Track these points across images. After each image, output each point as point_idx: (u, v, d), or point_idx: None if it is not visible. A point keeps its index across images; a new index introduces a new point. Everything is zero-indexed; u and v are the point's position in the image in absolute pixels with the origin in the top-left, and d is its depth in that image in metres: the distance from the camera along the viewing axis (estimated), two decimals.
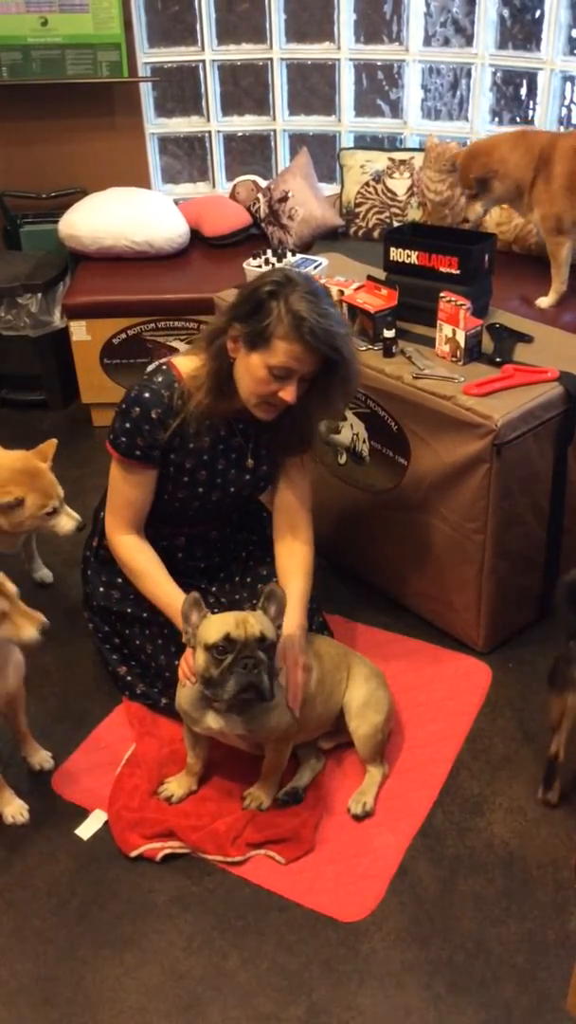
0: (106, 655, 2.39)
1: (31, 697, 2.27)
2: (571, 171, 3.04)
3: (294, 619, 2.10)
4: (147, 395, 2.10)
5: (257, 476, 2.26)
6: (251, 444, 2.22)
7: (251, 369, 2.01)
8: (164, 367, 2.14)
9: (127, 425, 2.10)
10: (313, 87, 4.15)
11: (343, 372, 2.06)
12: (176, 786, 2.14)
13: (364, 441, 2.54)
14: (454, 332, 2.40)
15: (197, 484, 2.20)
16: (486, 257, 2.57)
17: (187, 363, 2.13)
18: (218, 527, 2.37)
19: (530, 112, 3.88)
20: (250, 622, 1.88)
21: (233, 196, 4.11)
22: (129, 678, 2.36)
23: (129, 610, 2.32)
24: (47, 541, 2.97)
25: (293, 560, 2.24)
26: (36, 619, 1.93)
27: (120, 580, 2.34)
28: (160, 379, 2.12)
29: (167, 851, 2.02)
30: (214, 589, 2.35)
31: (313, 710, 2.12)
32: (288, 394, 2.01)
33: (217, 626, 1.88)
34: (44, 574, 2.83)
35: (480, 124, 3.91)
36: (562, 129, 3.71)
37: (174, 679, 2.16)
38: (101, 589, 2.37)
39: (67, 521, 2.47)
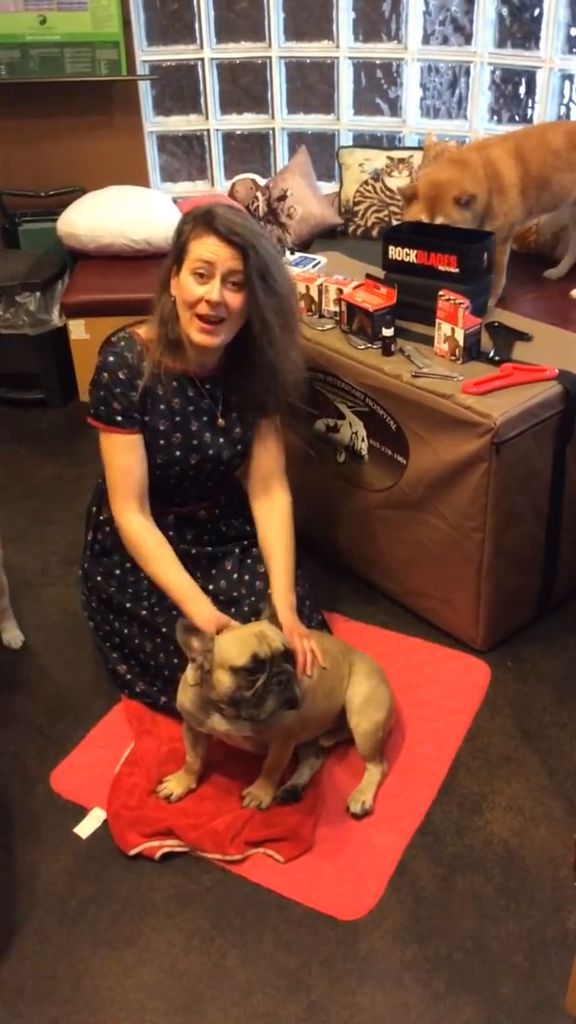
0: (105, 652, 2.39)
1: (30, 696, 2.28)
2: (520, 175, 3.05)
3: (285, 598, 2.15)
4: (111, 359, 2.17)
5: (232, 438, 2.28)
6: (221, 405, 2.25)
7: (181, 286, 2.09)
8: (124, 333, 2.22)
9: (101, 393, 2.17)
10: (312, 85, 4.15)
11: (259, 264, 2.06)
12: (175, 784, 2.14)
13: (363, 440, 2.54)
14: (453, 331, 2.40)
15: (173, 447, 2.22)
16: (484, 256, 2.57)
17: (145, 328, 2.21)
18: (206, 506, 2.37)
19: (529, 111, 3.89)
20: (269, 636, 1.88)
21: (232, 194, 4.10)
22: (128, 676, 2.36)
23: (128, 605, 2.32)
24: (45, 540, 2.97)
25: (273, 528, 2.29)
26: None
27: (118, 572, 2.35)
28: (122, 343, 2.19)
29: (166, 850, 2.02)
30: (211, 587, 2.33)
31: (315, 706, 2.12)
32: (213, 292, 2.05)
33: (239, 648, 1.86)
34: (14, 636, 2.60)
35: (479, 122, 3.92)
36: None
37: (173, 677, 2.18)
38: (99, 579, 2.37)
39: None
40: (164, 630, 2.24)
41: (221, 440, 2.27)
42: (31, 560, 2.89)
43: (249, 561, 2.38)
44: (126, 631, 2.33)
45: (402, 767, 2.21)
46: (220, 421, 2.25)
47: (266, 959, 1.84)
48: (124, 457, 2.19)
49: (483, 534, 2.33)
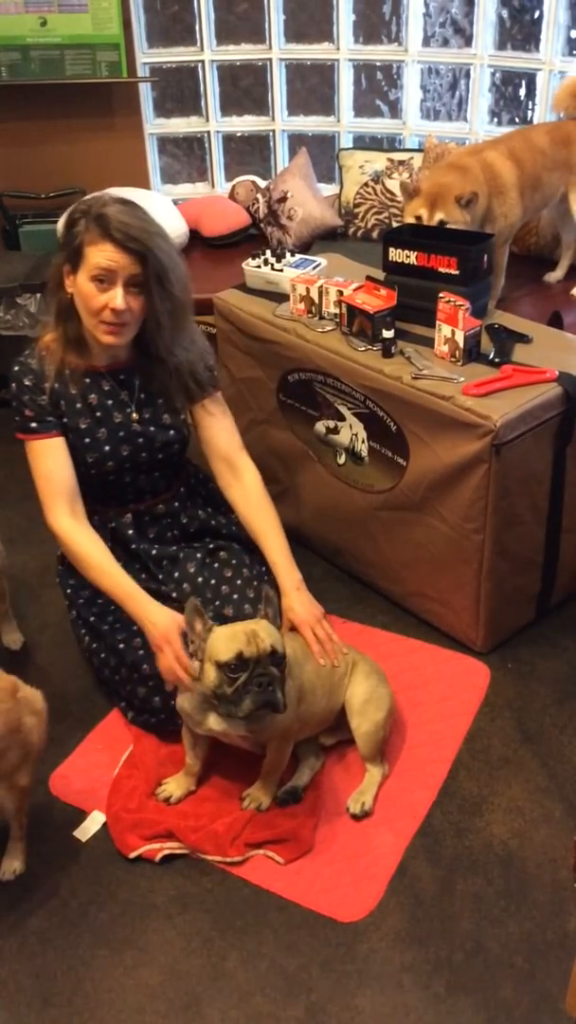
0: (92, 670, 2.41)
1: None
2: (518, 175, 3.05)
3: (291, 577, 2.17)
4: (16, 368, 2.19)
5: (163, 424, 2.27)
6: (139, 394, 2.25)
7: (80, 290, 2.08)
8: (32, 346, 2.23)
9: (13, 404, 2.19)
10: (312, 87, 4.15)
11: (155, 267, 2.06)
12: (174, 786, 2.14)
13: (363, 441, 2.54)
14: (453, 332, 2.40)
15: (100, 443, 2.22)
16: (485, 258, 2.57)
17: (50, 334, 2.21)
18: (164, 499, 2.37)
19: (529, 112, 3.89)
20: (260, 636, 1.87)
21: (232, 196, 4.11)
22: (106, 686, 2.37)
23: (92, 619, 2.31)
24: (45, 542, 2.97)
25: (253, 510, 2.29)
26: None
27: (87, 585, 2.31)
28: (27, 352, 2.22)
29: (166, 852, 2.02)
30: (174, 594, 2.29)
31: (315, 705, 2.12)
32: (115, 299, 2.04)
33: (227, 643, 1.87)
34: (14, 638, 2.60)
35: (479, 124, 3.92)
36: None
37: (134, 692, 2.20)
38: (69, 591, 2.38)
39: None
40: (122, 647, 2.22)
41: (151, 428, 2.26)
42: (31, 562, 2.89)
43: (216, 565, 2.35)
44: (94, 645, 2.33)
45: (402, 769, 2.21)
46: (141, 411, 2.25)
47: (266, 961, 1.84)
48: (45, 462, 2.19)
49: (483, 535, 2.33)
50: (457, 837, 2.06)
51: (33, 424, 2.18)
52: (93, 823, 2.10)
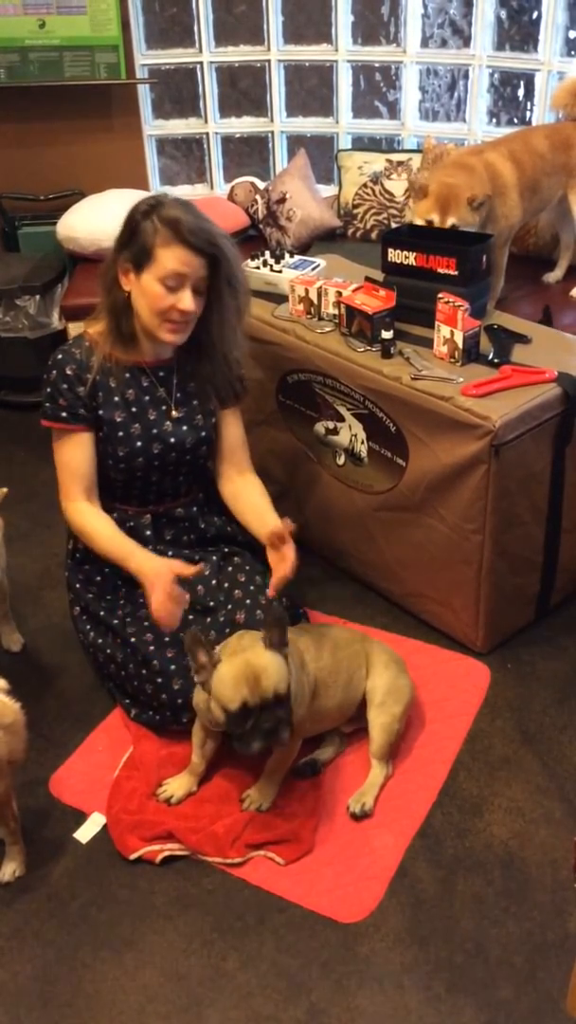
0: (90, 661, 2.41)
1: (30, 700, 2.26)
2: (519, 177, 3.05)
3: (270, 521, 2.23)
4: (59, 356, 2.20)
5: (194, 424, 2.29)
6: (176, 393, 2.27)
7: (145, 291, 2.09)
8: (77, 335, 2.25)
9: (48, 390, 2.20)
10: (311, 89, 4.16)
11: (227, 270, 2.13)
12: (175, 786, 2.13)
13: (362, 442, 2.54)
14: (452, 333, 2.40)
15: (133, 438, 2.23)
16: (484, 258, 2.57)
17: (95, 327, 2.23)
18: (184, 503, 2.38)
19: (528, 113, 3.89)
20: (262, 683, 1.89)
21: (231, 197, 4.11)
22: (110, 685, 2.37)
23: (102, 614, 2.33)
24: (45, 543, 2.97)
25: (251, 494, 2.36)
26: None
27: (98, 579, 2.36)
28: (71, 341, 2.23)
29: (166, 854, 2.02)
30: (188, 592, 2.27)
31: (332, 698, 2.15)
32: (185, 302, 2.08)
33: (232, 691, 1.89)
34: (14, 640, 2.59)
35: (478, 125, 3.92)
36: None
37: (141, 688, 2.21)
38: (78, 587, 2.39)
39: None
40: (133, 640, 2.24)
41: (183, 428, 2.28)
42: (31, 563, 2.89)
43: (230, 569, 2.37)
44: (99, 640, 2.34)
45: (402, 769, 2.20)
46: (174, 412, 2.27)
47: (266, 962, 1.84)
48: (72, 454, 2.22)
49: (483, 536, 2.33)
50: (457, 838, 2.06)
51: (64, 414, 2.19)
52: (93, 825, 2.10)
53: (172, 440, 2.27)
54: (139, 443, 2.24)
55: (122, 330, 2.17)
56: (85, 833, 2.09)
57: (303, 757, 2.16)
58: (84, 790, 2.18)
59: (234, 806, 2.10)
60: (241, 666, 1.90)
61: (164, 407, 2.26)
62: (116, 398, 2.21)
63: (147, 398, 2.25)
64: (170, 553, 2.31)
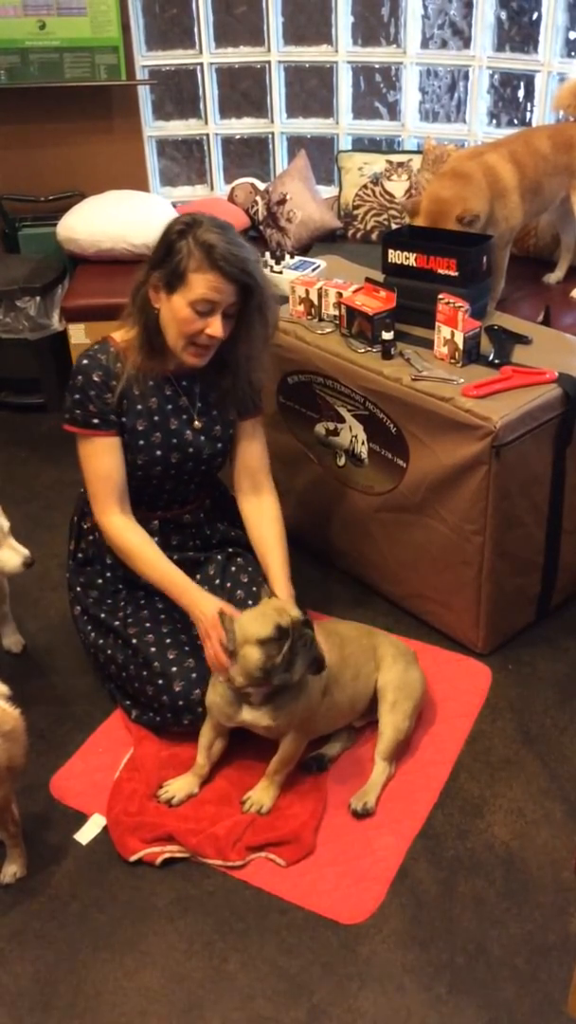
0: (91, 662, 2.41)
1: (31, 701, 2.27)
2: (519, 179, 3.05)
3: (285, 590, 2.19)
4: (85, 362, 2.19)
5: (213, 435, 2.29)
6: (198, 403, 2.27)
7: (174, 311, 2.07)
8: (101, 340, 2.23)
9: (76, 396, 2.18)
10: (311, 90, 4.16)
11: (259, 299, 2.12)
12: (177, 787, 2.13)
13: (363, 443, 2.54)
14: (452, 334, 2.40)
15: (154, 447, 2.22)
16: (484, 259, 2.57)
17: (121, 332, 2.21)
18: (191, 510, 2.38)
19: (528, 114, 3.89)
20: (286, 607, 1.99)
21: (231, 199, 4.11)
22: (110, 686, 2.38)
23: (103, 615, 2.33)
24: (46, 545, 2.97)
25: (265, 523, 2.31)
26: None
27: (100, 582, 2.37)
28: (97, 347, 2.21)
29: (166, 855, 2.02)
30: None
31: (342, 694, 2.16)
32: (214, 328, 2.07)
33: (260, 622, 1.95)
34: (15, 641, 2.59)
35: (478, 126, 3.92)
36: None
37: (141, 690, 2.22)
38: (79, 589, 2.39)
39: (10, 556, 2.22)
40: (134, 641, 2.24)
41: (202, 438, 2.27)
42: (38, 552, 2.88)
43: (233, 569, 2.38)
44: (100, 641, 2.34)
45: (403, 770, 2.20)
46: (196, 423, 2.26)
47: (267, 963, 1.84)
48: (103, 460, 2.20)
49: (483, 537, 2.33)
50: (458, 839, 2.06)
51: (96, 420, 2.17)
52: (94, 826, 2.10)
53: (191, 450, 2.26)
54: (159, 451, 2.23)
55: (154, 345, 2.15)
56: (86, 835, 2.08)
57: (310, 752, 2.17)
58: (85, 792, 2.17)
59: (235, 808, 2.10)
60: (260, 608, 2.01)
61: (186, 416, 2.25)
62: (139, 406, 2.20)
63: (170, 407, 2.24)
64: (175, 558, 2.32)
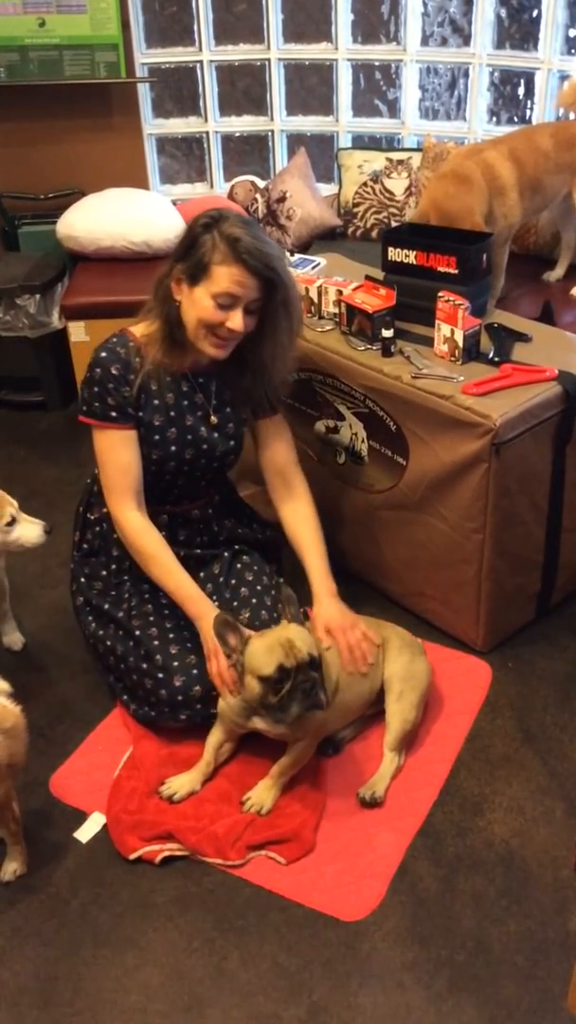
0: (93, 658, 2.42)
1: (31, 699, 2.27)
2: (518, 176, 3.04)
3: (326, 585, 2.21)
4: (103, 354, 2.17)
5: (227, 433, 2.29)
6: (213, 400, 2.26)
7: (196, 304, 2.07)
8: (119, 332, 2.22)
9: (95, 389, 2.16)
10: (311, 87, 4.15)
11: (283, 294, 2.11)
12: (179, 784, 2.13)
13: (363, 441, 2.54)
14: (452, 332, 2.40)
15: (169, 442, 2.22)
16: (484, 257, 2.57)
17: (140, 326, 2.20)
18: (200, 505, 2.38)
19: (528, 112, 3.89)
20: (296, 645, 1.94)
21: (231, 196, 4.11)
22: (111, 681, 2.37)
23: (107, 607, 2.33)
24: (46, 543, 2.96)
25: (300, 523, 2.32)
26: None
27: (104, 573, 2.37)
28: (115, 340, 2.19)
29: (166, 854, 2.02)
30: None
31: (352, 691, 2.18)
32: (235, 322, 2.06)
33: (266, 657, 1.94)
34: (15, 639, 2.60)
35: (478, 124, 3.92)
36: None
37: (140, 681, 2.21)
38: (83, 580, 2.39)
39: (30, 529, 2.29)
40: (137, 633, 2.24)
41: (216, 435, 2.28)
42: (31, 562, 2.89)
43: (239, 566, 2.38)
44: (101, 632, 2.34)
45: (404, 768, 2.20)
46: (213, 418, 2.26)
47: (267, 961, 1.84)
48: (121, 453, 2.19)
49: (483, 535, 2.33)
50: (458, 836, 2.06)
51: (114, 413, 2.16)
52: (94, 824, 2.10)
53: (205, 447, 2.26)
54: (173, 447, 2.23)
55: (174, 338, 2.14)
56: (86, 833, 2.08)
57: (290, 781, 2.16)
58: (84, 790, 2.17)
59: (235, 807, 2.10)
60: (273, 637, 1.97)
61: (201, 413, 2.25)
62: (156, 401, 2.20)
63: (186, 403, 2.23)
64: (182, 553, 2.32)
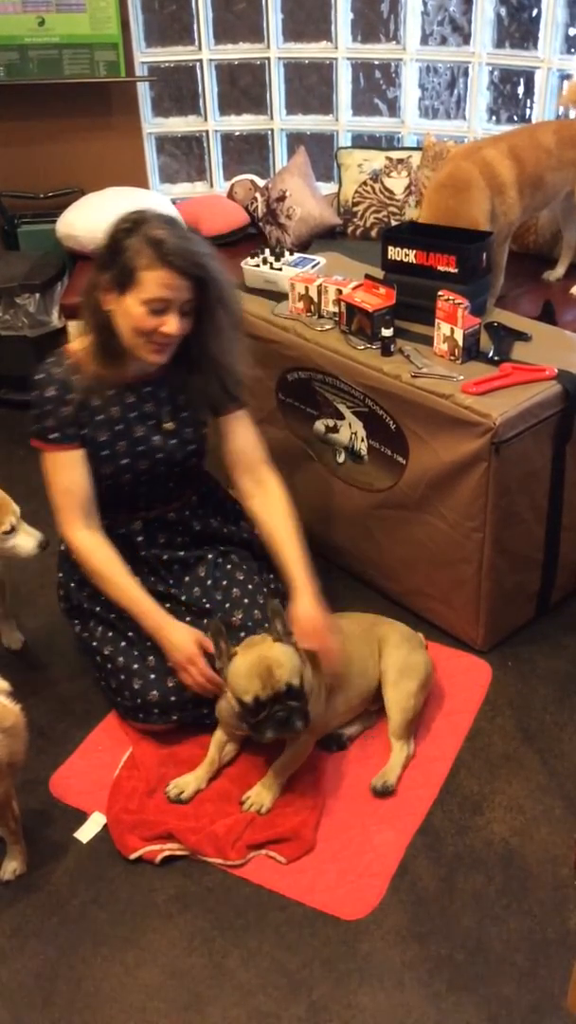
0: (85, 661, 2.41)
1: (31, 698, 2.27)
2: (517, 174, 3.04)
3: (305, 587, 2.14)
4: (40, 376, 2.15)
5: (184, 438, 2.25)
6: (167, 407, 2.22)
7: (128, 312, 2.02)
8: (58, 350, 2.19)
9: (35, 412, 2.16)
10: (310, 86, 4.15)
11: (216, 291, 2.06)
12: (186, 782, 2.13)
13: (362, 440, 2.54)
14: (452, 331, 2.40)
15: (119, 456, 2.19)
16: (483, 256, 2.57)
17: (78, 342, 2.17)
18: (175, 507, 2.35)
19: (527, 111, 3.89)
20: (275, 674, 1.94)
21: (231, 195, 4.11)
22: (102, 684, 2.36)
23: (98, 609, 2.31)
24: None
25: (274, 516, 2.25)
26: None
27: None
28: (52, 359, 2.17)
29: (166, 853, 2.02)
30: (183, 597, 2.31)
31: (349, 689, 2.18)
32: (171, 326, 2.01)
33: (245, 682, 1.95)
34: (15, 638, 2.60)
35: (478, 123, 3.92)
36: None
37: (129, 681, 2.20)
38: (73, 586, 2.37)
39: (26, 540, 2.25)
40: (130, 634, 2.24)
41: (172, 442, 2.24)
42: (30, 563, 2.88)
43: (228, 567, 2.36)
44: (85, 634, 2.33)
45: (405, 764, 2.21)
46: (168, 424, 2.21)
47: (267, 959, 1.84)
48: (65, 475, 2.17)
49: (483, 534, 2.33)
50: (458, 835, 2.06)
51: (54, 435, 2.14)
52: (94, 824, 2.10)
53: (159, 456, 2.22)
54: (125, 460, 2.20)
55: (109, 349, 2.09)
56: (86, 833, 2.09)
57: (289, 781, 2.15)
58: (85, 790, 2.17)
59: (235, 806, 2.10)
60: (255, 659, 1.97)
61: (153, 421, 2.21)
62: (100, 417, 2.16)
63: (133, 415, 2.19)
64: (165, 556, 2.30)
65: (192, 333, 2.10)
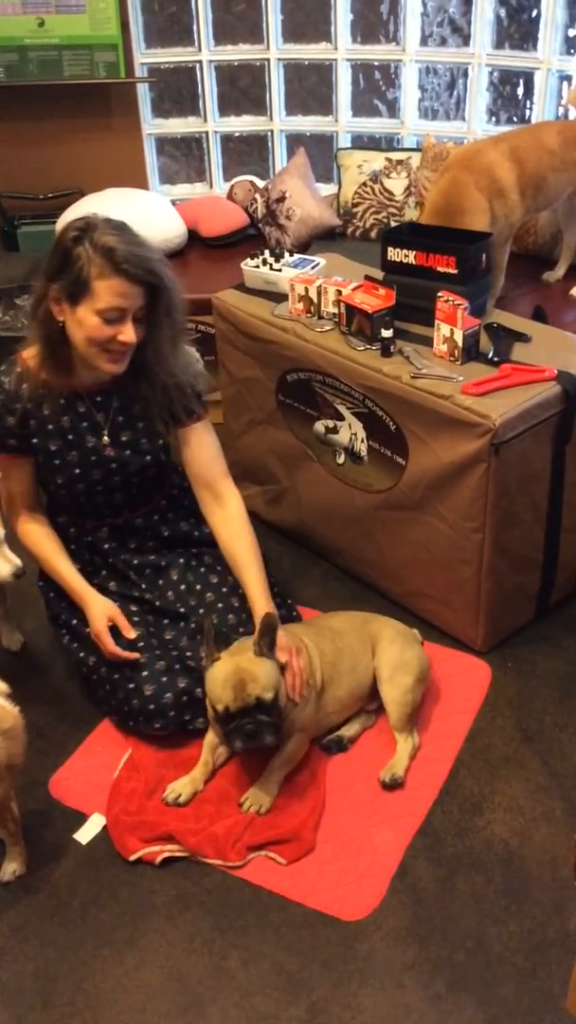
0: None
1: (30, 699, 2.27)
2: (518, 176, 3.03)
3: (265, 609, 2.12)
4: None
5: (139, 448, 2.23)
6: (120, 416, 2.20)
7: (82, 324, 1.99)
8: (10, 358, 2.17)
9: None
10: (310, 87, 4.15)
11: (167, 299, 2.04)
12: (182, 785, 2.13)
13: (362, 441, 2.54)
14: (452, 332, 2.40)
15: (71, 466, 2.20)
16: (483, 257, 2.57)
17: (30, 350, 2.14)
18: (142, 513, 2.34)
19: (527, 112, 3.89)
20: (247, 688, 1.97)
21: (230, 196, 4.11)
22: (88, 691, 2.37)
23: (75, 622, 2.32)
24: None
25: (235, 539, 2.23)
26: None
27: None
28: (3, 368, 2.16)
29: (166, 855, 2.02)
30: (158, 602, 2.30)
31: (341, 688, 2.19)
32: (128, 335, 1.99)
33: (219, 690, 1.99)
34: (14, 639, 2.60)
35: (477, 124, 3.92)
36: None
37: (112, 693, 2.22)
38: (52, 595, 2.39)
39: (2, 565, 2.17)
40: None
41: (127, 452, 2.22)
42: (30, 563, 2.88)
43: (202, 570, 2.35)
44: (75, 645, 2.33)
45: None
46: (105, 437, 2.19)
47: (267, 960, 1.84)
48: (10, 482, 2.23)
49: (483, 535, 2.33)
50: (458, 836, 2.06)
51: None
52: (93, 826, 2.10)
53: (113, 465, 2.21)
54: (77, 470, 2.19)
55: (57, 359, 2.07)
56: (85, 834, 2.09)
57: (285, 782, 2.15)
58: (84, 791, 2.18)
59: (234, 807, 2.10)
60: (231, 669, 1.99)
61: (103, 432, 2.19)
62: (50, 426, 2.15)
63: (84, 424, 2.17)
64: (136, 561, 2.31)
65: (144, 346, 2.08)
